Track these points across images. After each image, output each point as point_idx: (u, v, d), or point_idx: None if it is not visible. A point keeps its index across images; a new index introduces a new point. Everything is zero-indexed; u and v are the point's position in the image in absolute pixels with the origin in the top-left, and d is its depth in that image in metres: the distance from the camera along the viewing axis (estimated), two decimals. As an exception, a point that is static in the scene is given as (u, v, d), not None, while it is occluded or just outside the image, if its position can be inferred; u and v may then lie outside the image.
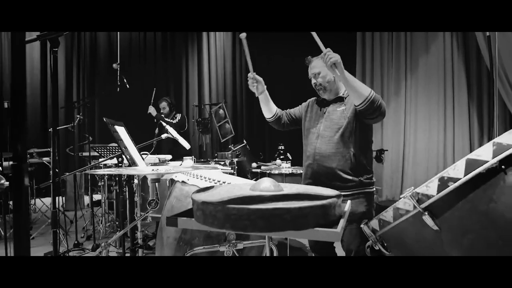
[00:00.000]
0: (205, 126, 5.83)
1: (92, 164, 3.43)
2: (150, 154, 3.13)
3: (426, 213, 0.92)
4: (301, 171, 2.12)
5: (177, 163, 3.12)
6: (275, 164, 3.64)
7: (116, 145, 3.69)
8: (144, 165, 1.82)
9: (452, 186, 0.87)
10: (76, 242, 3.42)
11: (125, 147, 1.75)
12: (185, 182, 1.76)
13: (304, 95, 2.15)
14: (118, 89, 3.77)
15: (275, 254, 1.58)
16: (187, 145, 2.34)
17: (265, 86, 1.97)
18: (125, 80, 3.78)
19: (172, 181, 2.02)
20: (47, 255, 3.05)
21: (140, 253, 1.92)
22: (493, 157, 0.82)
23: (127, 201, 2.17)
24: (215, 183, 1.68)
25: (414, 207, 0.94)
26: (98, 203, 4.26)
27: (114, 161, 2.82)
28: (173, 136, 2.27)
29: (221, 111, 5.99)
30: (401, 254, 1.10)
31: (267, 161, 4.27)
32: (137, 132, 4.45)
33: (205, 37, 7.15)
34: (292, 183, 1.95)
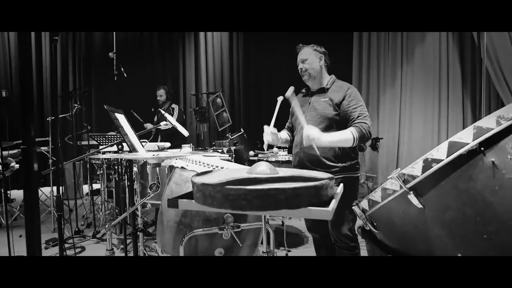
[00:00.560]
0: (202, 115, 5.86)
1: (92, 151, 3.47)
2: (149, 142, 3.18)
3: (412, 193, 0.98)
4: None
5: (176, 150, 3.17)
6: (272, 152, 3.70)
7: (114, 133, 3.73)
8: (144, 151, 1.87)
9: (435, 166, 0.94)
10: (76, 229, 3.49)
11: (125, 134, 1.79)
12: (184, 168, 1.81)
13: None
14: (115, 78, 3.78)
15: (271, 236, 1.65)
16: (185, 133, 2.38)
17: (280, 137, 1.99)
18: (122, 69, 3.78)
19: (172, 168, 2.08)
20: (49, 242, 3.12)
21: (140, 237, 1.99)
22: (473, 140, 0.88)
23: (127, 188, 2.22)
24: (214, 168, 1.73)
25: (401, 187, 1.01)
26: (97, 192, 4.31)
27: (114, 149, 2.86)
28: (172, 124, 2.31)
29: (218, 100, 6.01)
30: (389, 232, 1.17)
31: (264, 149, 4.32)
32: (136, 120, 4.49)
33: (202, 25, 7.10)
34: (288, 169, 2.01)
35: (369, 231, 1.36)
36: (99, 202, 3.96)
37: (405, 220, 1.05)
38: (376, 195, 1.11)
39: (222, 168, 1.71)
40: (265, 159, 3.14)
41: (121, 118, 1.88)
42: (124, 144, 1.88)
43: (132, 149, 1.81)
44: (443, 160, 0.92)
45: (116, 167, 3.65)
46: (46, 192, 4.64)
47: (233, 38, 7.09)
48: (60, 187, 1.64)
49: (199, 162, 1.81)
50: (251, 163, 3.68)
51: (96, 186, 4.67)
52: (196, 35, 7.13)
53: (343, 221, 1.83)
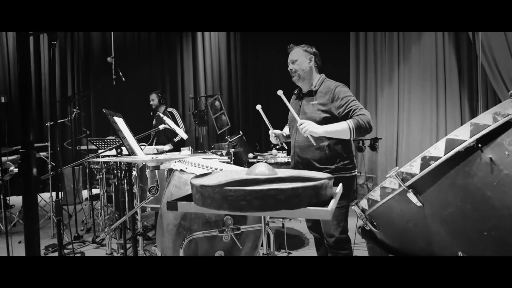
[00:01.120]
0: (201, 118, 5.86)
1: (91, 156, 3.46)
2: (148, 145, 3.18)
3: (410, 191, 0.99)
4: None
5: (175, 153, 3.17)
6: (271, 154, 3.71)
7: (113, 137, 3.72)
8: (143, 154, 1.87)
9: (433, 164, 0.94)
10: (76, 234, 3.47)
11: (124, 137, 1.79)
12: (183, 171, 1.81)
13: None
14: (114, 82, 3.78)
15: (271, 238, 1.64)
16: (184, 135, 2.38)
17: (284, 133, 2.11)
18: (120, 73, 3.78)
19: (171, 171, 2.08)
20: (48, 248, 3.11)
21: (140, 241, 1.98)
22: (471, 137, 0.88)
23: (126, 192, 2.22)
24: (213, 170, 1.73)
25: (399, 185, 1.01)
26: (96, 197, 4.30)
27: (113, 153, 2.86)
28: (170, 127, 2.31)
29: (217, 103, 6.01)
30: (390, 231, 1.16)
31: (263, 151, 4.32)
32: (135, 124, 4.48)
33: (199, 29, 7.13)
34: (287, 170, 2.02)
35: (369, 231, 1.36)
36: (99, 207, 3.95)
37: (404, 218, 1.05)
38: (375, 194, 1.11)
39: (221, 170, 1.71)
40: (264, 161, 3.14)
41: (120, 122, 1.88)
42: (123, 147, 1.88)
43: (131, 152, 1.81)
44: (441, 157, 0.92)
45: (115, 171, 3.65)
46: (45, 197, 4.63)
47: (231, 40, 7.10)
48: (60, 192, 1.63)
49: (198, 165, 1.81)
50: (250, 165, 3.67)
51: (95, 191, 4.65)
52: (193, 38, 7.15)
53: (333, 220, 1.82)
